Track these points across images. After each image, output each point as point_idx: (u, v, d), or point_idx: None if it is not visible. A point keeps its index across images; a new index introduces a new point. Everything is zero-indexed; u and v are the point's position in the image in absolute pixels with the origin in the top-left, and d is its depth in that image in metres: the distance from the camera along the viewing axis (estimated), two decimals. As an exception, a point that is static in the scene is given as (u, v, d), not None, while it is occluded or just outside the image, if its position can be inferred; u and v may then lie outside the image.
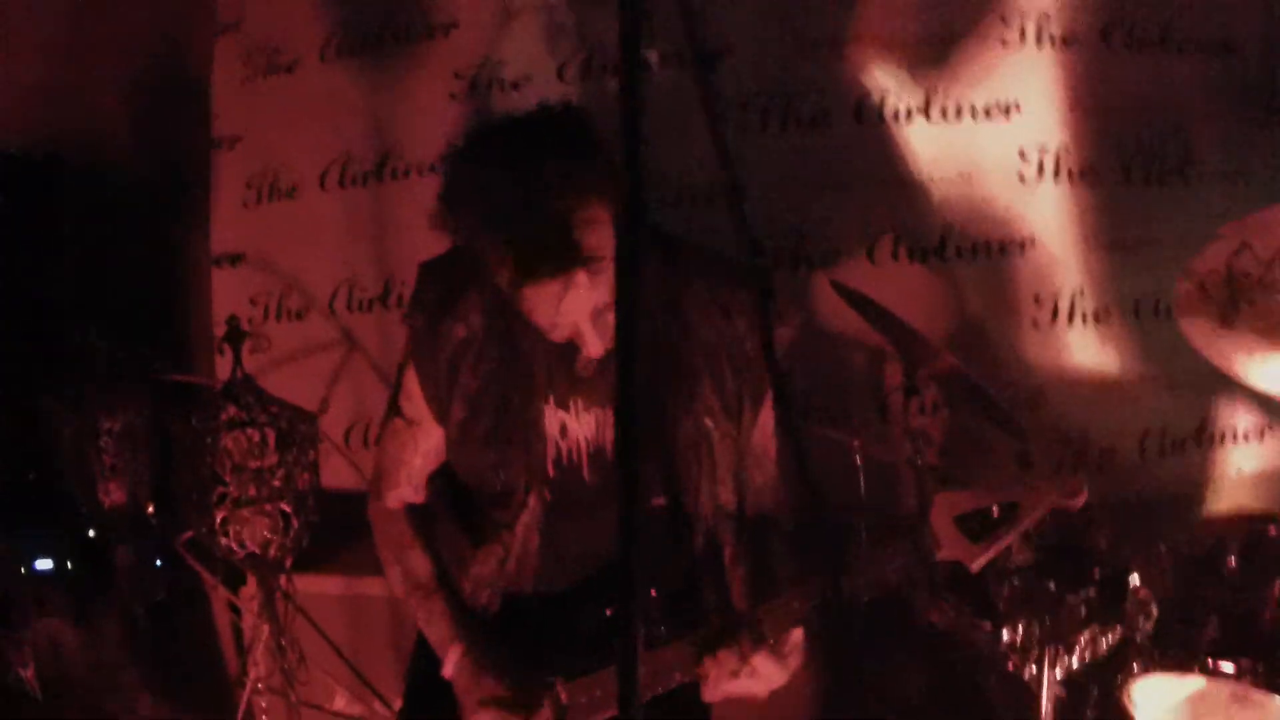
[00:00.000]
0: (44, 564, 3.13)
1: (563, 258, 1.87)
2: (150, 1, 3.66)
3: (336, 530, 3.17)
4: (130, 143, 3.65)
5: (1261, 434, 3.43)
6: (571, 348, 2.06)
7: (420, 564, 2.25)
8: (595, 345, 2.01)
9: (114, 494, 3.21)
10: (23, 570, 3.09)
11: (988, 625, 2.43)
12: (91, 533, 3.22)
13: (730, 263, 2.34)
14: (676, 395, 2.13)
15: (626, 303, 1.17)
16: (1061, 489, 2.13)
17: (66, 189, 3.39)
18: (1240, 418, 3.42)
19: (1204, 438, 3.39)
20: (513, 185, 1.88)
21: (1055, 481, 2.15)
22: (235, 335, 2.79)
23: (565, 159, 1.89)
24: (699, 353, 2.15)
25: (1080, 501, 2.13)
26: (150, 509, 3.27)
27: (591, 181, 1.88)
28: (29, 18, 3.45)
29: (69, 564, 3.17)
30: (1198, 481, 3.38)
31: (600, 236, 1.89)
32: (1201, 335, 2.27)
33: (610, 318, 1.99)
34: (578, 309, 1.94)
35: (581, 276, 1.90)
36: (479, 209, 1.93)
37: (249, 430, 2.72)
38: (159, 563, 3.28)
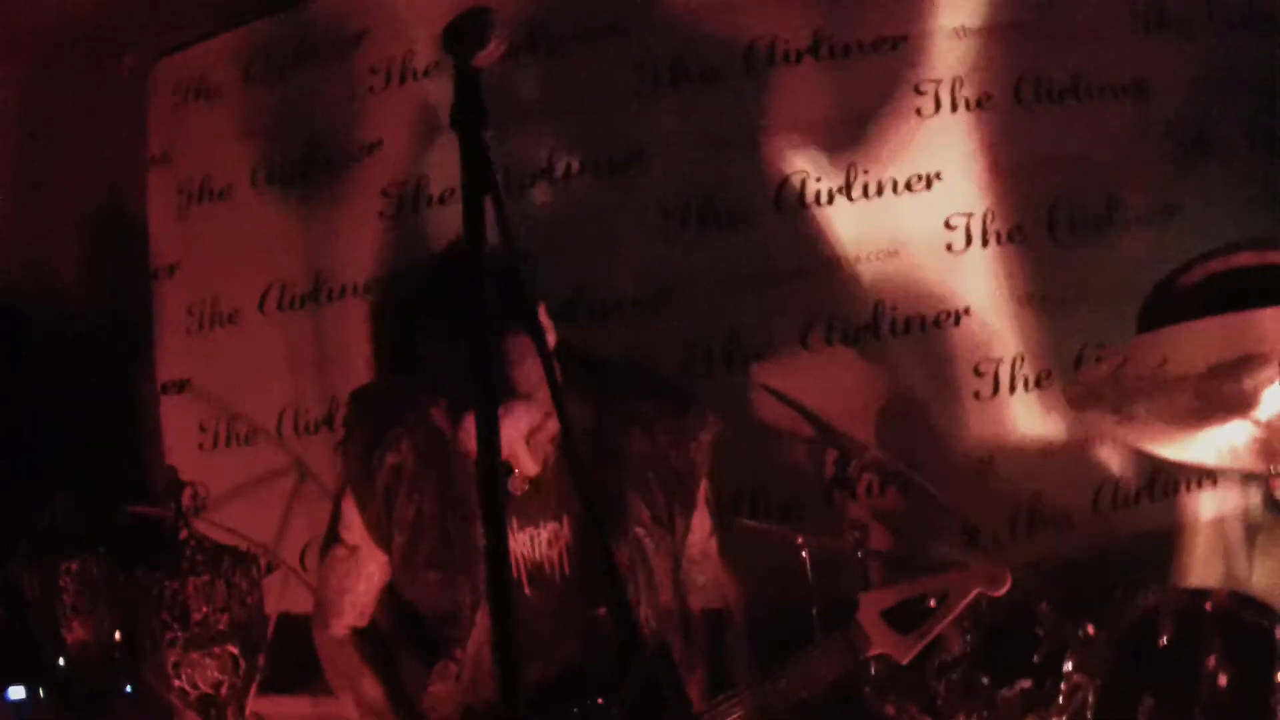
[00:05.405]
0: (16, 693, 3.15)
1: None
2: (87, 139, 3.72)
3: (301, 652, 3.19)
4: (78, 282, 3.71)
5: (1215, 479, 3.38)
6: (502, 468, 2.13)
7: (372, 689, 2.32)
8: (529, 465, 2.20)
9: (77, 631, 3.25)
10: (-5, 699, 3.13)
11: (930, 723, 2.43)
12: (62, 661, 3.26)
13: (648, 377, 2.42)
14: (606, 511, 2.19)
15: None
16: (985, 579, 2.19)
17: (24, 340, 3.44)
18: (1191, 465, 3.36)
19: (1156, 488, 3.32)
20: (442, 327, 2.08)
21: (980, 570, 2.20)
22: (174, 486, 2.83)
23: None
24: (623, 469, 2.22)
25: (1003, 589, 2.18)
26: (118, 636, 3.30)
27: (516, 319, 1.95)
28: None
29: (41, 693, 3.21)
30: (1154, 532, 3.32)
31: (526, 370, 2.03)
32: (1101, 427, 2.26)
33: (540, 438, 2.19)
34: (511, 433, 2.06)
35: (514, 404, 2.04)
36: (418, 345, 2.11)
37: (191, 578, 2.75)
38: (129, 689, 3.32)
